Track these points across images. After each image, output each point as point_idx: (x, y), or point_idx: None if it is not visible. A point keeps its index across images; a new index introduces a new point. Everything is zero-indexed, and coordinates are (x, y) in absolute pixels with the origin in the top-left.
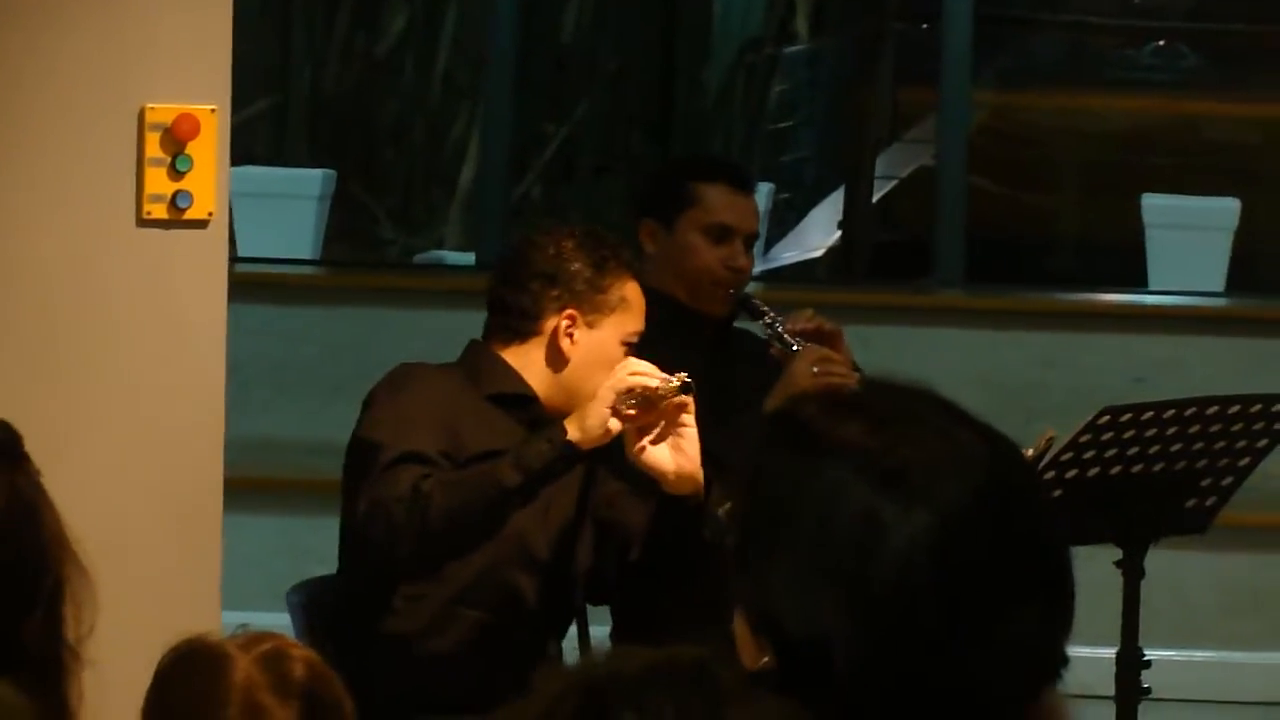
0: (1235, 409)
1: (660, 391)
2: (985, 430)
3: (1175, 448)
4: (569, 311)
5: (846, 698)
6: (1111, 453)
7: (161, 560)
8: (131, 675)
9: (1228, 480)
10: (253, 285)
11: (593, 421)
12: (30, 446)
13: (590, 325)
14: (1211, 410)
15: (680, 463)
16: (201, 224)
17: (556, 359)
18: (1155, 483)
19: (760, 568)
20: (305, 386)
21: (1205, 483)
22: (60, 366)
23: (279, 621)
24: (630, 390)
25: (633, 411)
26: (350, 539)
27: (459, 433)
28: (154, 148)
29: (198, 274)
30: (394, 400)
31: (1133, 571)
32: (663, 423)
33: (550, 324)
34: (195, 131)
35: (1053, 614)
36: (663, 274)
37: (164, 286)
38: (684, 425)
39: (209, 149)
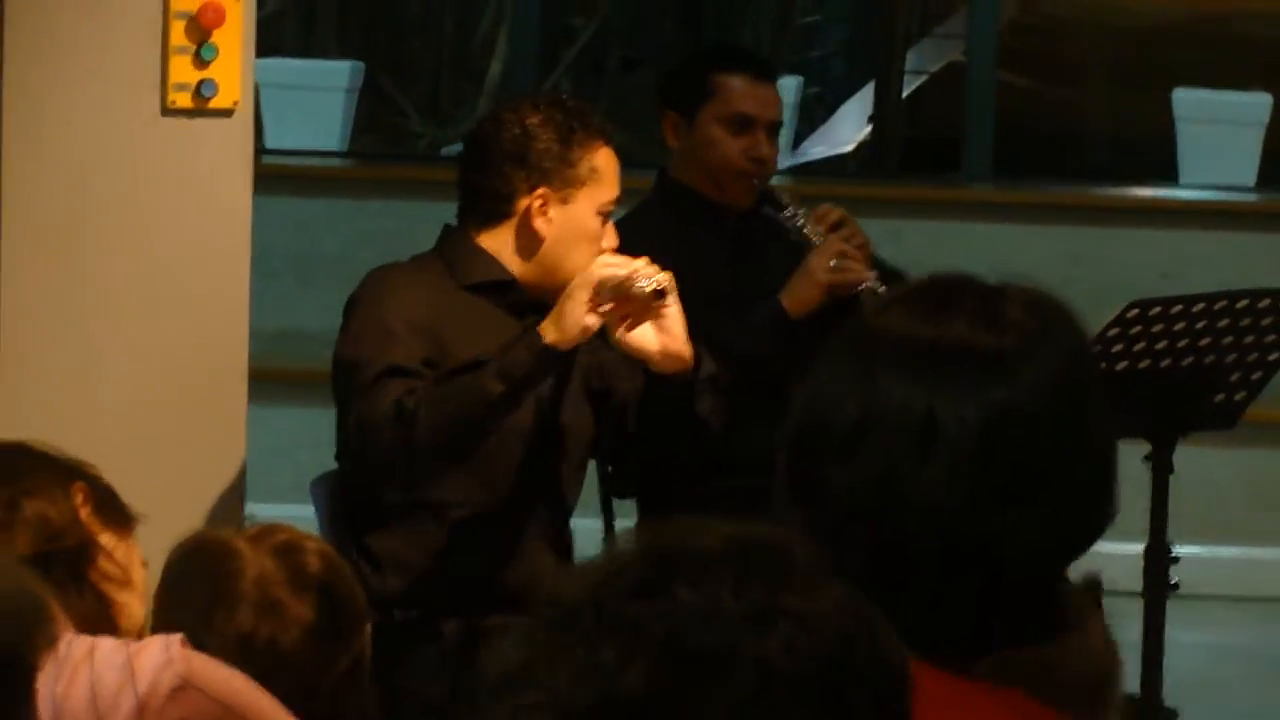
0: (1265, 303)
1: (633, 283)
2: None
3: (1204, 342)
4: (540, 190)
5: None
6: (1140, 346)
7: (186, 451)
8: (156, 567)
9: (1256, 375)
10: (280, 177)
11: (569, 321)
12: (57, 339)
13: (563, 201)
14: (1241, 304)
15: (664, 342)
16: (227, 113)
17: (532, 238)
18: (1184, 377)
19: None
20: (331, 279)
21: (1234, 377)
22: (86, 256)
23: (303, 513)
24: (602, 283)
25: (609, 305)
26: (342, 452)
27: (441, 333)
28: (179, 36)
29: (223, 164)
30: (371, 312)
31: (1161, 467)
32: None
33: (523, 204)
34: (220, 20)
35: (1093, 502)
36: (687, 167)
37: (190, 176)
38: (668, 306)
39: (234, 38)
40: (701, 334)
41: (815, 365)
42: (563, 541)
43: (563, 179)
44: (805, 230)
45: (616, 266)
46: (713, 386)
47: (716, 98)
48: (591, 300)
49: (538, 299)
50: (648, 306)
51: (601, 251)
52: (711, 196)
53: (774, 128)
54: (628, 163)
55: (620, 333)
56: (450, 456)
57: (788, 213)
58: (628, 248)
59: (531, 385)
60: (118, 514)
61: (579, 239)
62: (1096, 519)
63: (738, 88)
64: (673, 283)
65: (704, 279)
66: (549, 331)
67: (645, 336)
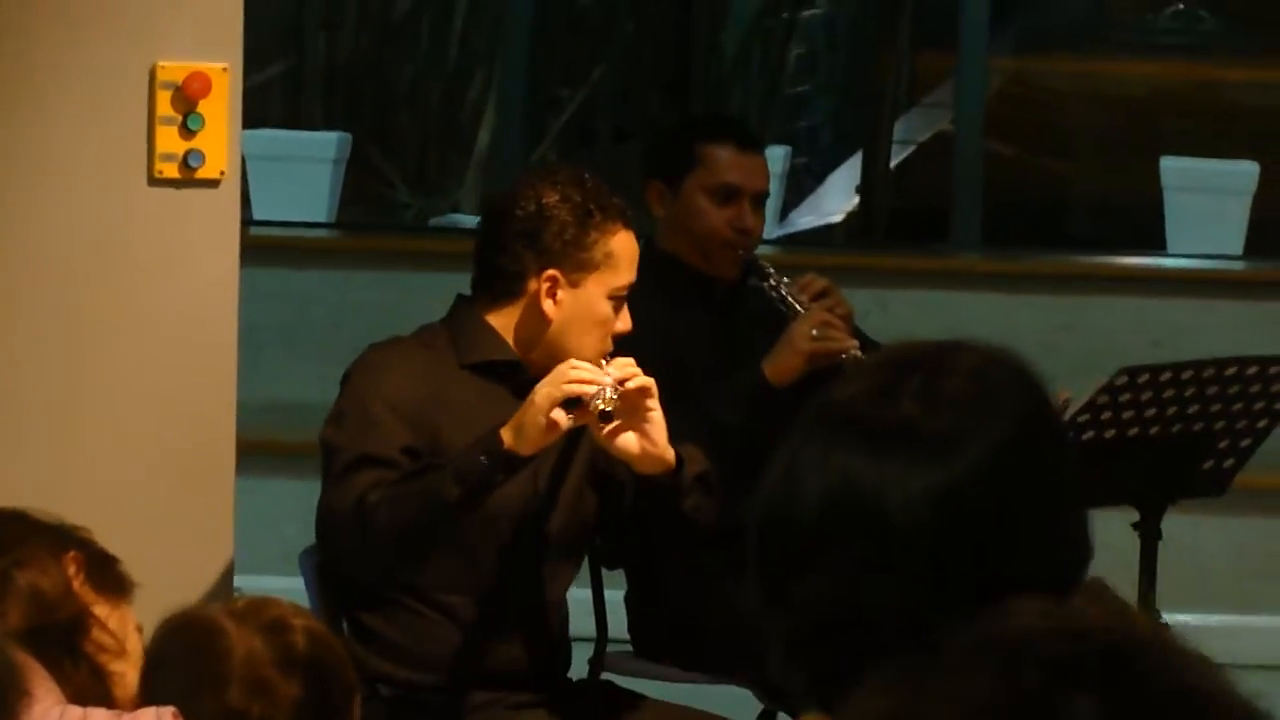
0: (1253, 370)
1: (596, 399)
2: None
3: (1193, 409)
4: (550, 272)
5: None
6: (1129, 414)
7: (174, 524)
8: (146, 640)
9: (1245, 442)
10: (267, 248)
11: (530, 430)
12: (42, 409)
13: (574, 284)
14: (1229, 371)
15: (645, 446)
16: (213, 183)
17: (539, 320)
18: (1172, 444)
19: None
20: (319, 350)
21: (1223, 444)
22: (72, 327)
23: (293, 585)
24: (567, 396)
25: (571, 416)
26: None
27: (434, 415)
28: (165, 106)
29: (210, 234)
30: (357, 394)
31: (1150, 534)
32: (632, 408)
33: (532, 285)
34: (207, 90)
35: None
36: (673, 237)
37: (176, 246)
38: (650, 410)
39: (220, 108)
40: (683, 408)
41: (781, 444)
42: (552, 623)
43: (574, 263)
44: (789, 299)
45: (583, 381)
46: (701, 485)
47: (702, 167)
48: (554, 409)
49: (539, 375)
50: (636, 406)
51: (612, 334)
52: (698, 266)
53: (760, 198)
54: None
55: (604, 435)
56: (409, 556)
57: (771, 281)
58: None
59: (489, 489)
60: (112, 581)
61: (587, 323)
62: (1071, 572)
63: (723, 158)
64: (653, 386)
65: (688, 349)
66: (509, 437)
67: (627, 438)
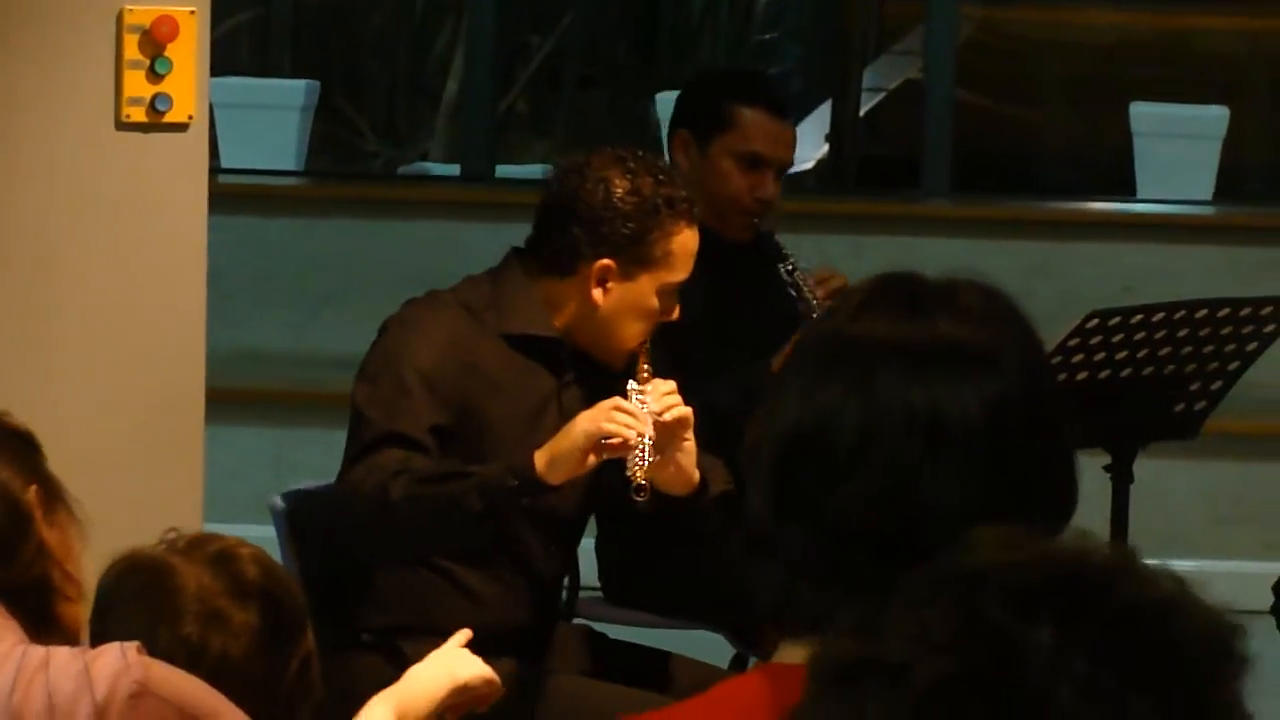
0: (1224, 312)
1: (633, 467)
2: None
3: (1164, 351)
4: (604, 262)
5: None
6: (1100, 356)
7: (143, 472)
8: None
9: (1216, 384)
10: (235, 196)
11: (563, 462)
12: (7, 355)
13: (626, 277)
14: (1200, 314)
15: (673, 472)
16: (181, 127)
17: (587, 303)
18: (1144, 387)
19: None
20: (287, 298)
21: (1194, 386)
22: (39, 273)
23: (261, 533)
24: (605, 435)
25: (604, 455)
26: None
27: (464, 386)
28: (132, 50)
29: (178, 178)
30: (393, 357)
31: (1122, 477)
32: (668, 439)
33: (584, 268)
34: (174, 34)
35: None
36: (689, 188)
37: (144, 191)
38: (685, 441)
39: (188, 52)
40: (686, 376)
41: (785, 382)
42: (551, 598)
43: (631, 256)
44: (803, 288)
45: (625, 425)
46: (724, 504)
47: (733, 131)
48: (591, 445)
49: (579, 350)
50: (674, 435)
51: (660, 319)
52: (710, 224)
53: (784, 169)
54: None
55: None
56: (425, 554)
57: (789, 266)
58: None
59: (512, 508)
60: (65, 515)
61: (633, 315)
62: (1070, 507)
63: (756, 124)
64: (690, 417)
65: (688, 306)
66: (541, 463)
67: (656, 466)
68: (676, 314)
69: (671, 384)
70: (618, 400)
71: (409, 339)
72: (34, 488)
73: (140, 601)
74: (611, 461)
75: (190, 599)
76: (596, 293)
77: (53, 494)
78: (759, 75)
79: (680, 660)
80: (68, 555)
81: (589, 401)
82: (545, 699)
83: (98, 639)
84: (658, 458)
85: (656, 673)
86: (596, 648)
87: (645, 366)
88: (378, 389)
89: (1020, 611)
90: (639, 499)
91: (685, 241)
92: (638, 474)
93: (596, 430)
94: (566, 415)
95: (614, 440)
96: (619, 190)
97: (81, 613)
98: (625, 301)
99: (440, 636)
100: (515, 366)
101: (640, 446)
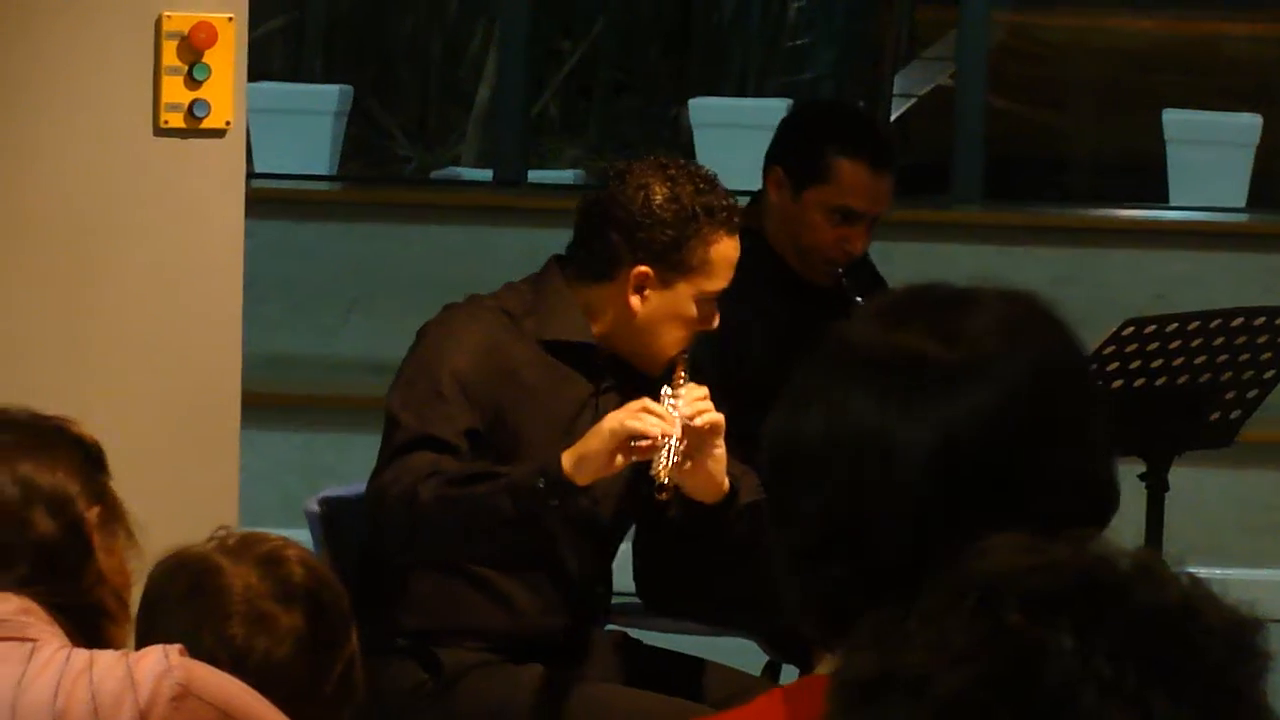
0: (1260, 321)
1: (659, 466)
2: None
3: (1199, 360)
4: (642, 269)
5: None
6: (1135, 364)
7: (178, 475)
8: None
9: (1252, 393)
10: (268, 201)
11: (590, 462)
12: (46, 360)
13: (664, 284)
14: (1236, 322)
15: (703, 478)
16: (219, 133)
17: (625, 309)
18: (1179, 395)
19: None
20: (321, 303)
21: (1229, 395)
22: (76, 278)
23: (294, 537)
24: (632, 434)
25: (633, 456)
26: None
27: (499, 393)
28: (171, 56)
29: (215, 183)
30: (429, 363)
31: (1157, 485)
32: (698, 444)
33: (622, 274)
34: (212, 40)
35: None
36: (778, 228)
37: (182, 196)
38: (715, 448)
39: (226, 58)
40: (743, 410)
41: (791, 379)
42: (592, 604)
43: (669, 263)
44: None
45: (652, 425)
46: (753, 512)
47: (830, 185)
48: (618, 445)
49: (617, 358)
50: (705, 441)
51: (699, 328)
52: (791, 263)
53: (876, 220)
54: None
55: (659, 497)
56: (453, 555)
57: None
58: None
59: (543, 508)
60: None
61: (671, 323)
62: (1104, 508)
63: (855, 180)
64: (722, 424)
65: (746, 335)
66: (569, 463)
67: (685, 471)
68: (716, 322)
69: (704, 389)
70: (646, 401)
71: (446, 344)
72: (96, 509)
73: (187, 601)
74: (647, 467)
75: (237, 600)
76: (634, 300)
77: (113, 515)
78: (861, 120)
79: (714, 668)
80: (122, 581)
81: None
82: (579, 705)
83: (144, 636)
84: (685, 461)
85: (690, 680)
86: (631, 654)
87: (682, 375)
88: (413, 393)
89: (1040, 616)
90: (661, 497)
91: (724, 250)
92: (661, 472)
93: (623, 429)
94: None
95: (643, 442)
96: (658, 197)
97: (128, 635)
98: (663, 309)
99: (474, 641)
100: (553, 373)
101: (667, 446)
